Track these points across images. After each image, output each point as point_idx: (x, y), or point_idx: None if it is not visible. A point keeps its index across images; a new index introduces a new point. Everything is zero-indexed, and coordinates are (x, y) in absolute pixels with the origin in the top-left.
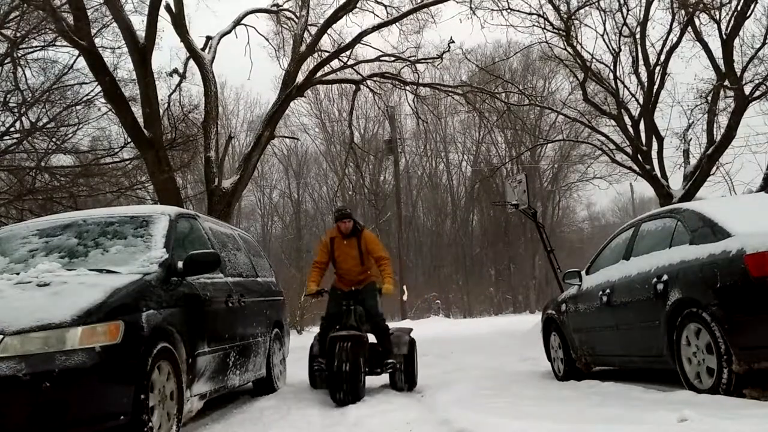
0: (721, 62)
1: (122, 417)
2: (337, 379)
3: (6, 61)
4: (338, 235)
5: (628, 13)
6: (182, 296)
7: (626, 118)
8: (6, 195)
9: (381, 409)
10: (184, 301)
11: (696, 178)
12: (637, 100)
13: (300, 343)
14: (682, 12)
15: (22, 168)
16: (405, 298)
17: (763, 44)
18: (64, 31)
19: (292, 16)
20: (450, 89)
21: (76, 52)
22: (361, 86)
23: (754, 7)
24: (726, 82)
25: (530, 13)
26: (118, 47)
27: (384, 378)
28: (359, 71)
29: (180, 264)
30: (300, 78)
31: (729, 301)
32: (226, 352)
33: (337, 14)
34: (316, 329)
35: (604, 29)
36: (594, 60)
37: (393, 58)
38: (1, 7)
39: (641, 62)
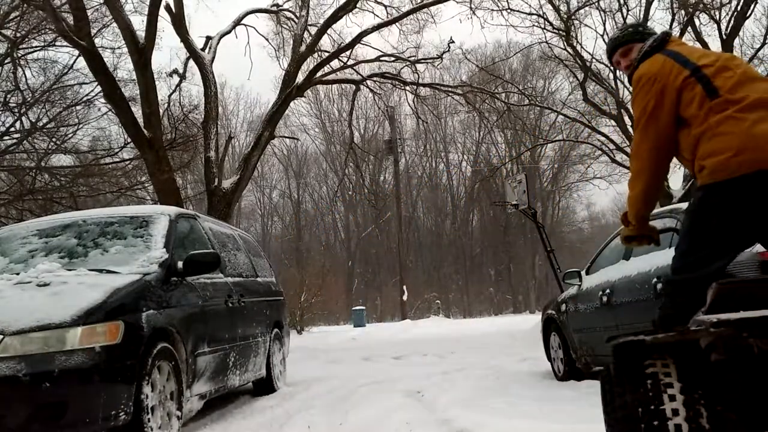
0: None
1: (122, 417)
2: None
3: (6, 61)
4: None
5: (628, 13)
6: (182, 296)
7: (626, 118)
8: (6, 195)
9: (382, 408)
10: (184, 301)
11: None
12: None
13: (300, 343)
14: (682, 12)
15: (22, 168)
16: (405, 298)
17: (763, 44)
18: (64, 31)
19: (292, 16)
20: (450, 89)
21: (76, 52)
22: (361, 86)
23: (754, 7)
24: None
25: (530, 13)
26: (118, 47)
27: (379, 375)
28: (359, 71)
29: (180, 264)
30: (300, 78)
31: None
32: (226, 352)
33: (337, 14)
34: (316, 329)
35: (604, 29)
36: (594, 60)
37: (393, 58)
38: (1, 7)
39: None
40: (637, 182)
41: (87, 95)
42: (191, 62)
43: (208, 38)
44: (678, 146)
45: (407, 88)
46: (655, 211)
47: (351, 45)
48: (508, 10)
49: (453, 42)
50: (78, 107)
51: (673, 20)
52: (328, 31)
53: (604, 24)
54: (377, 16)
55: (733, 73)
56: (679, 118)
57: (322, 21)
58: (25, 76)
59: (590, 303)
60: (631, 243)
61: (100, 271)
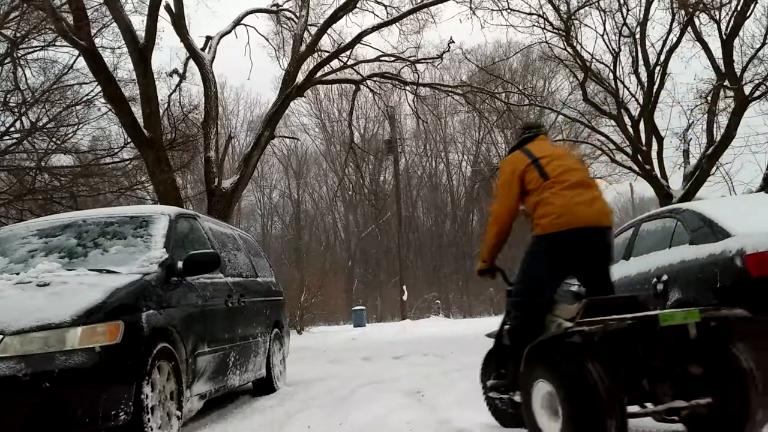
0: (721, 62)
1: (122, 417)
2: None
3: (6, 61)
4: None
5: (628, 13)
6: (182, 296)
7: (626, 118)
8: (6, 195)
9: (382, 408)
10: (184, 301)
11: (696, 178)
12: (637, 100)
13: (300, 343)
14: (682, 12)
15: (22, 168)
16: (405, 298)
17: (763, 44)
18: (64, 31)
19: (292, 16)
20: (450, 89)
21: (76, 52)
22: (361, 86)
23: (754, 7)
24: (726, 82)
25: (530, 13)
26: (118, 47)
27: (379, 375)
28: (359, 71)
29: (180, 264)
30: (300, 78)
31: (729, 301)
32: (226, 352)
33: (337, 14)
34: (316, 329)
35: (604, 29)
36: (594, 60)
37: (393, 58)
38: (1, 7)
39: (641, 62)
40: (493, 232)
41: (87, 95)
42: (191, 62)
43: (208, 38)
44: (523, 207)
45: (407, 88)
46: (655, 211)
47: (351, 45)
48: (508, 10)
49: (453, 42)
50: (78, 107)
51: (673, 20)
52: (328, 31)
53: (604, 24)
54: (377, 16)
55: (561, 163)
56: (524, 191)
57: (322, 21)
58: (25, 76)
59: None
60: (484, 276)
61: (100, 271)
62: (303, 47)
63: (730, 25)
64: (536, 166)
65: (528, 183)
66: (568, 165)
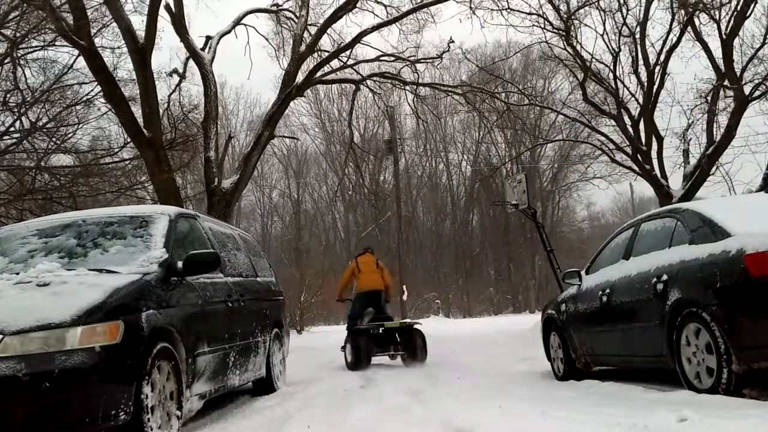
0: (720, 62)
1: (122, 417)
2: None
3: (6, 61)
4: None
5: (627, 13)
6: (182, 296)
7: (626, 118)
8: (6, 195)
9: (381, 408)
10: (184, 301)
11: (696, 178)
12: (636, 100)
13: (300, 343)
14: (682, 12)
15: (22, 168)
16: (405, 298)
17: (763, 44)
18: (64, 31)
19: (292, 16)
20: (450, 89)
21: (76, 52)
22: (361, 86)
23: (754, 7)
24: (726, 82)
25: (530, 13)
26: (118, 47)
27: (379, 374)
28: (359, 71)
29: (180, 264)
30: (300, 78)
31: (729, 301)
32: (226, 352)
33: (336, 14)
34: (316, 329)
35: (604, 29)
36: (594, 60)
37: (393, 58)
38: (1, 7)
39: (641, 62)
40: (338, 288)
41: (87, 95)
42: (191, 62)
43: (208, 38)
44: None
45: (407, 87)
46: (655, 211)
47: (351, 45)
48: (508, 10)
49: (453, 42)
50: (78, 107)
51: (672, 20)
52: (328, 31)
53: (604, 24)
54: (377, 16)
55: (366, 266)
56: (355, 275)
57: (322, 21)
58: (25, 76)
59: (590, 303)
60: (340, 301)
61: (100, 271)
62: (303, 47)
63: (730, 25)
64: (357, 266)
65: (354, 272)
66: (368, 266)
